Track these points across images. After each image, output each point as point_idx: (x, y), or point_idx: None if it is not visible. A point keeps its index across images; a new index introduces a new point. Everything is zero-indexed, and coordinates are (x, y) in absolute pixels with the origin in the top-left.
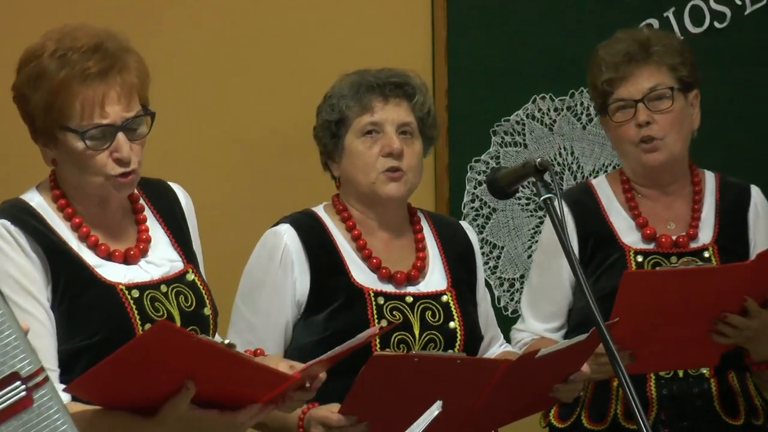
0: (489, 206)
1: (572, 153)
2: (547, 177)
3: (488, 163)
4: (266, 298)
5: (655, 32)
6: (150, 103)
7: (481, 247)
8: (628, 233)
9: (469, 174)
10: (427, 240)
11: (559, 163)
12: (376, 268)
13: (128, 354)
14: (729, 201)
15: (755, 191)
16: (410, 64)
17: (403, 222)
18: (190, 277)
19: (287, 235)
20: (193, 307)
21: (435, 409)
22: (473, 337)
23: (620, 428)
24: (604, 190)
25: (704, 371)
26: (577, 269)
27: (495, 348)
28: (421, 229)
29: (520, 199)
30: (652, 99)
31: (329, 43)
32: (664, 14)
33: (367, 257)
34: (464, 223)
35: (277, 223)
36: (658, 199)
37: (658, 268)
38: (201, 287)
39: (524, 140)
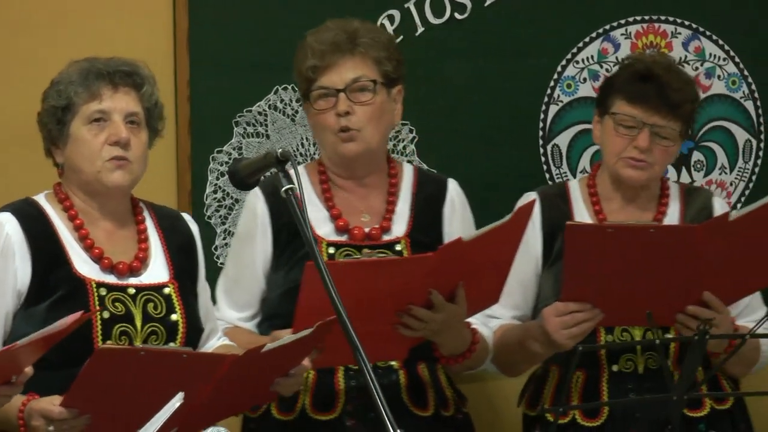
0: (231, 197)
1: (314, 144)
2: (288, 167)
3: (231, 154)
4: None
5: (365, 25)
6: None
7: (224, 238)
8: (321, 224)
9: (211, 165)
10: (150, 231)
11: (301, 154)
12: (98, 258)
13: None
14: (425, 194)
15: (452, 185)
16: (151, 55)
17: (126, 213)
18: None
19: (9, 225)
20: None
21: (176, 401)
22: (194, 330)
23: (308, 419)
24: (300, 180)
25: (393, 363)
26: (317, 255)
27: (213, 341)
28: (144, 220)
29: None
30: (354, 90)
31: (69, 32)
32: (405, 5)
33: (89, 247)
34: (186, 215)
35: None
36: (354, 190)
37: (339, 260)
38: None
39: (266, 131)
